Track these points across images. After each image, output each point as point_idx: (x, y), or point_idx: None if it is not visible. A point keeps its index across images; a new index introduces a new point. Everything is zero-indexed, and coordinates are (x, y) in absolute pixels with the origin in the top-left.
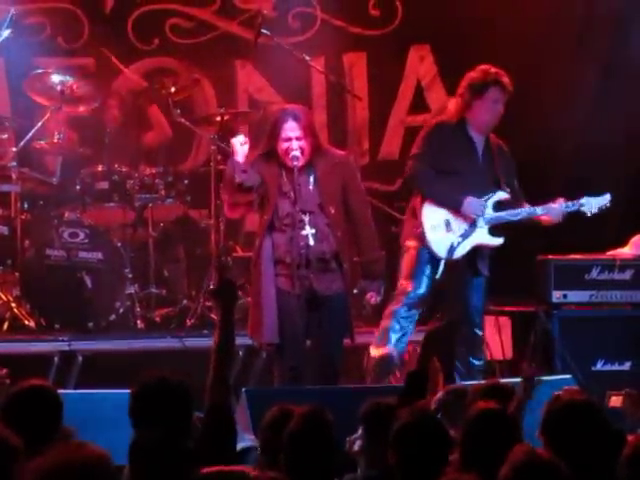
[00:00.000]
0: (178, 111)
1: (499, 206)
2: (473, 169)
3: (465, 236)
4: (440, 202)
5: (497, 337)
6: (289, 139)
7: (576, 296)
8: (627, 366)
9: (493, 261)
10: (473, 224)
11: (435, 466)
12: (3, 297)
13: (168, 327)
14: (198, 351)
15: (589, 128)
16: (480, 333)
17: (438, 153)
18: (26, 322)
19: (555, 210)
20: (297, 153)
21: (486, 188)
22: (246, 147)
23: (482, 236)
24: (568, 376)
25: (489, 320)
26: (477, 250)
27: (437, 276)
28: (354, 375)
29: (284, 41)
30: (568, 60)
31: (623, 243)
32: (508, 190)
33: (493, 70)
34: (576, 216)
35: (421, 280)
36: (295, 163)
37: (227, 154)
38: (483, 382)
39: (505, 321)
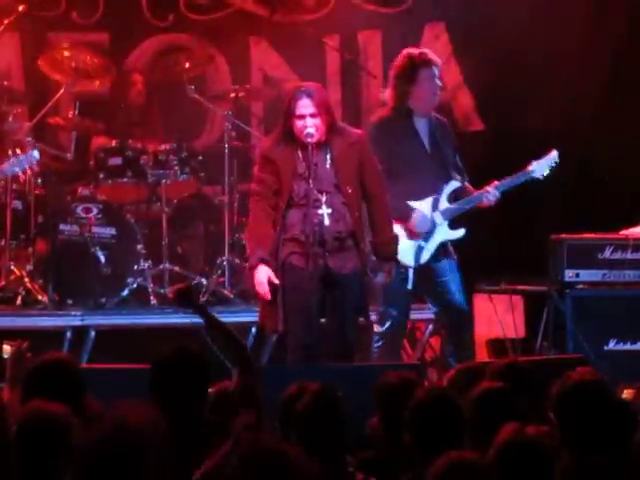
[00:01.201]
0: (192, 87)
1: (453, 197)
2: (423, 161)
3: (427, 238)
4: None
5: (510, 316)
6: (303, 116)
7: (589, 275)
8: (639, 346)
9: (506, 240)
10: (432, 224)
11: (450, 445)
12: (16, 272)
13: None
14: None
15: (606, 98)
16: (468, 310)
17: (388, 152)
18: (39, 297)
19: (491, 194)
20: (312, 130)
21: (438, 179)
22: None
23: (444, 233)
24: None
25: (502, 299)
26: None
27: (409, 286)
28: (368, 353)
29: (299, 18)
30: (586, 29)
31: (636, 222)
32: (458, 178)
33: (415, 52)
34: (589, 195)
35: (395, 299)
36: (310, 140)
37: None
38: (500, 360)
39: (518, 300)
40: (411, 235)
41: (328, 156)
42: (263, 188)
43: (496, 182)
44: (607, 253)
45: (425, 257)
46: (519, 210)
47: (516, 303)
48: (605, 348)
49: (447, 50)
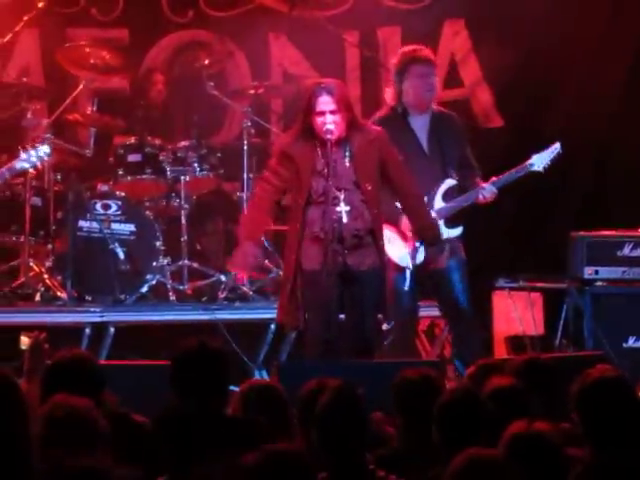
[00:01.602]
0: (212, 84)
1: (448, 195)
2: (419, 160)
3: None
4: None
5: (529, 313)
6: (323, 113)
7: (608, 272)
8: None
9: (525, 237)
10: None
11: (476, 443)
12: (36, 268)
13: (200, 300)
14: (230, 324)
15: (623, 98)
16: (468, 309)
17: None
18: (58, 293)
19: (486, 190)
20: (331, 127)
21: (435, 176)
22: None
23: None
24: None
25: (521, 296)
26: None
27: (406, 287)
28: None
29: (319, 14)
30: (605, 29)
31: None
32: (455, 176)
33: (409, 49)
34: (608, 194)
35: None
36: (329, 136)
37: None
38: (520, 357)
39: (537, 297)
40: (404, 238)
41: (347, 153)
42: (274, 178)
43: (494, 178)
44: (626, 250)
45: (421, 258)
46: (537, 208)
47: (535, 300)
48: (625, 345)
49: (467, 46)
